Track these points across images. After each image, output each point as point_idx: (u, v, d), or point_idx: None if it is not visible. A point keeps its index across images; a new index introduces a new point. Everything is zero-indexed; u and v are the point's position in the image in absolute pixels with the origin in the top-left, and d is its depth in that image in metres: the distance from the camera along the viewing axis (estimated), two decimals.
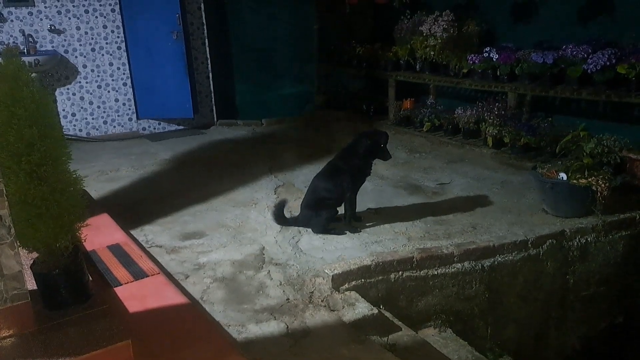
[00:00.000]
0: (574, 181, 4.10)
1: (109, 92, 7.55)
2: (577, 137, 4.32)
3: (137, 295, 3.02)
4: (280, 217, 4.27)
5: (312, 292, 3.35)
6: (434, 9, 6.78)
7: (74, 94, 7.36)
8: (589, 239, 4.11)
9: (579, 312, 4.26)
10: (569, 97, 5.41)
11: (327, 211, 4.09)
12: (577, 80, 5.22)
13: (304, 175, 5.42)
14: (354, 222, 4.24)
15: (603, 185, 4.03)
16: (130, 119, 7.76)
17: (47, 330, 2.26)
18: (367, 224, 4.26)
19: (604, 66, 4.91)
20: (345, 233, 4.11)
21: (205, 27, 7.86)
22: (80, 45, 7.26)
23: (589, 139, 4.32)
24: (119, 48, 7.47)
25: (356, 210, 4.30)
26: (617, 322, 4.46)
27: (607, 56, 4.89)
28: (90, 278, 2.62)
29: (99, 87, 7.48)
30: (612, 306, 4.40)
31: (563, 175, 4.18)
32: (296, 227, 4.22)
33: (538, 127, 5.62)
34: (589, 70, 5.02)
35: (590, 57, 5.05)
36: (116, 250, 3.62)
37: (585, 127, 4.35)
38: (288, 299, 3.27)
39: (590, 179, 4.06)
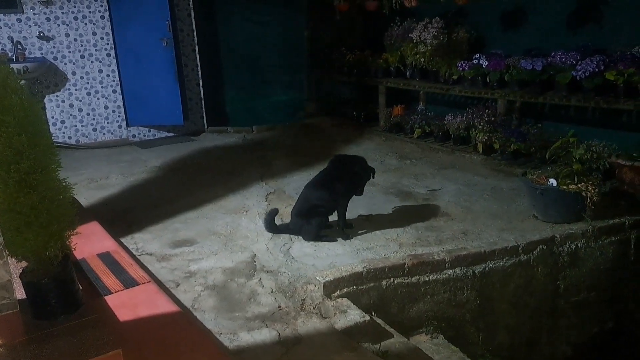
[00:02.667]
0: (564, 187, 4.12)
1: (98, 99, 7.52)
2: (566, 143, 4.35)
3: (128, 304, 3.00)
4: (271, 225, 4.26)
5: (304, 300, 3.34)
6: (423, 16, 6.82)
7: (63, 101, 7.32)
8: (579, 245, 4.13)
9: (570, 317, 4.28)
10: (558, 103, 5.45)
11: (318, 219, 4.08)
12: (566, 86, 5.27)
13: (295, 183, 5.41)
14: (346, 229, 4.24)
15: (592, 191, 4.06)
16: (120, 126, 7.73)
17: (36, 340, 2.23)
18: (359, 231, 4.26)
19: (592, 73, 4.95)
20: (337, 240, 4.11)
21: (195, 33, 7.86)
22: (70, 52, 7.23)
23: (578, 145, 4.35)
24: (108, 55, 7.45)
25: (346, 217, 4.29)
26: (608, 327, 4.48)
27: (595, 63, 4.93)
28: (80, 287, 2.60)
29: (89, 94, 7.45)
30: (602, 312, 4.42)
31: (553, 181, 4.20)
32: (287, 235, 4.21)
33: (528, 134, 5.66)
34: (577, 77, 5.07)
35: (579, 63, 5.10)
36: (106, 258, 3.59)
37: (575, 133, 4.37)
38: (280, 307, 3.25)
39: (579, 185, 4.09)
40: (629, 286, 4.45)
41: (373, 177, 4.36)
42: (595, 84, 4.99)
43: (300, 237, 4.15)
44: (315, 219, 4.06)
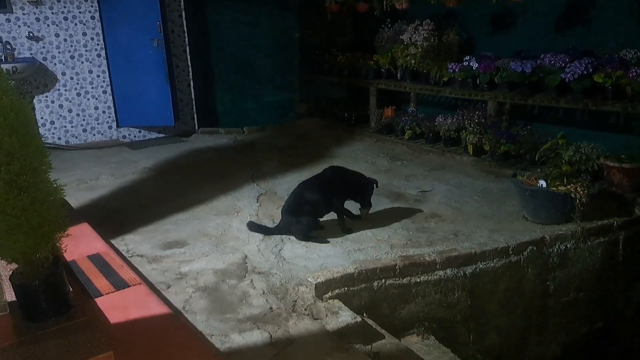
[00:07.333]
0: (553, 188, 4.15)
1: (88, 99, 7.48)
2: (555, 144, 4.38)
3: (119, 306, 2.99)
4: (259, 229, 4.27)
5: (296, 301, 3.34)
6: (414, 18, 6.85)
7: (52, 102, 7.27)
8: (568, 246, 4.16)
9: (559, 318, 4.31)
10: (547, 105, 5.49)
11: (308, 218, 4.09)
12: (555, 88, 5.30)
13: (286, 184, 5.41)
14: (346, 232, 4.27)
15: (582, 192, 4.09)
16: (110, 127, 7.69)
17: (26, 343, 2.22)
18: (350, 233, 4.26)
19: (581, 75, 5.00)
20: (328, 242, 4.11)
21: (186, 34, 7.85)
22: (59, 52, 7.18)
23: (568, 146, 4.38)
24: (98, 55, 7.41)
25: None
26: (597, 327, 4.52)
27: (584, 65, 4.98)
28: (71, 289, 2.58)
29: (79, 94, 7.41)
30: (591, 312, 4.46)
31: (542, 183, 4.23)
32: (279, 236, 4.21)
33: (517, 135, 5.70)
34: (566, 79, 5.11)
35: (567, 66, 5.14)
36: (97, 260, 3.57)
37: (564, 135, 4.40)
38: (271, 308, 3.26)
39: (569, 186, 4.12)
40: (617, 286, 4.50)
41: (377, 187, 4.42)
42: (583, 86, 5.03)
43: (292, 238, 4.15)
44: (305, 218, 4.07)
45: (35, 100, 7.16)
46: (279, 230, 4.23)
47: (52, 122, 7.32)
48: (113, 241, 4.19)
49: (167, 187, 5.67)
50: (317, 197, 4.12)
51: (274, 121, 8.53)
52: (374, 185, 4.39)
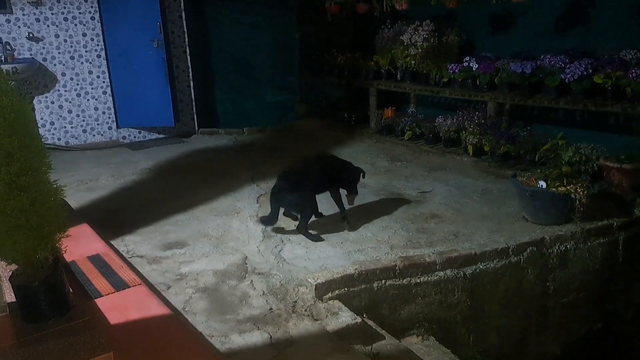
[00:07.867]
0: (553, 189, 4.15)
1: (88, 100, 7.48)
2: (555, 145, 4.38)
3: (119, 307, 2.98)
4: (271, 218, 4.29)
5: (296, 302, 3.34)
6: (414, 19, 6.85)
7: (52, 103, 7.27)
8: (568, 246, 4.16)
9: (559, 318, 4.31)
10: (547, 106, 5.49)
11: (307, 193, 4.17)
12: (555, 89, 5.31)
13: None
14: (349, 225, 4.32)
15: (581, 193, 4.09)
16: (110, 128, 7.69)
17: (26, 344, 2.22)
18: (350, 233, 4.27)
19: (581, 76, 5.00)
20: (323, 239, 4.12)
21: (186, 35, 7.85)
22: (59, 53, 7.18)
23: (567, 147, 4.39)
24: (98, 56, 7.40)
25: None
26: (596, 328, 4.52)
27: (584, 66, 4.98)
28: (71, 290, 2.58)
29: (78, 95, 7.40)
30: (591, 312, 4.46)
31: (542, 183, 4.23)
32: (279, 236, 4.22)
33: (517, 136, 5.69)
34: (566, 80, 5.11)
35: (567, 67, 5.14)
36: (96, 260, 3.57)
37: (564, 136, 4.41)
38: (271, 309, 3.25)
39: (569, 187, 4.12)
40: (617, 287, 4.49)
41: (363, 177, 4.49)
42: (583, 87, 5.03)
43: (292, 239, 4.16)
44: (310, 196, 4.19)
45: (35, 101, 7.15)
46: (284, 203, 4.22)
47: (52, 123, 7.32)
48: (113, 242, 4.19)
49: (167, 187, 5.67)
50: (320, 175, 4.28)
51: (274, 122, 8.53)
52: (361, 173, 4.47)
